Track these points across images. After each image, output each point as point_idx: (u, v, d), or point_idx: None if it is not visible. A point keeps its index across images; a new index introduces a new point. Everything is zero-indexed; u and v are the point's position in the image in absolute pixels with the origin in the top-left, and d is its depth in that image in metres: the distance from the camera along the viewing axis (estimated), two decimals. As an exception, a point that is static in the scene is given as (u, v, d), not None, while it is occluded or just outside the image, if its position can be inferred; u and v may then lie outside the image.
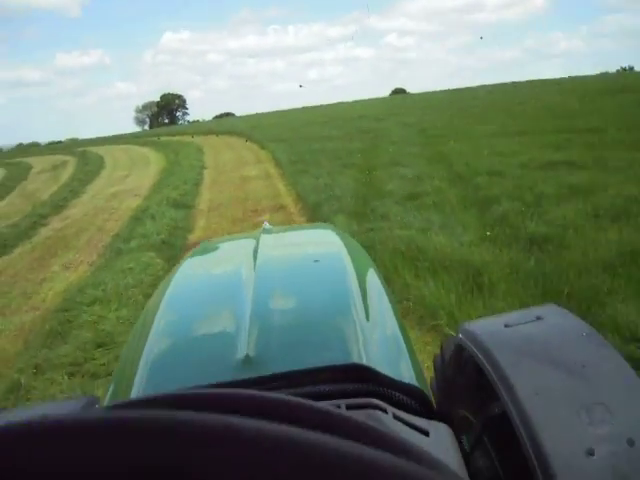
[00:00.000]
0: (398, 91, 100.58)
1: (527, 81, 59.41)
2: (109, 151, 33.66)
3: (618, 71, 71.16)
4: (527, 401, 0.98)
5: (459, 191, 8.31)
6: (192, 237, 8.69)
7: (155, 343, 1.32)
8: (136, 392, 1.13)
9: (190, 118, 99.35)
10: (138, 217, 10.33)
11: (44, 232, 11.92)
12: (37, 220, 12.98)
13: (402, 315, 2.29)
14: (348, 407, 0.97)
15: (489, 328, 1.26)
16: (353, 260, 1.69)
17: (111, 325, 5.06)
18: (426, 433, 1.00)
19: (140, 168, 21.38)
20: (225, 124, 46.20)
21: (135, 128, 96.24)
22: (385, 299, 1.60)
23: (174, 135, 41.23)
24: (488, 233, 5.91)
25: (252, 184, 13.16)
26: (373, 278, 1.72)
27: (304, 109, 62.43)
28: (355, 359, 1.14)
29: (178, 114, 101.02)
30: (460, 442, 1.16)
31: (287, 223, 7.86)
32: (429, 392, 1.31)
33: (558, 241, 5.37)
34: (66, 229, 11.76)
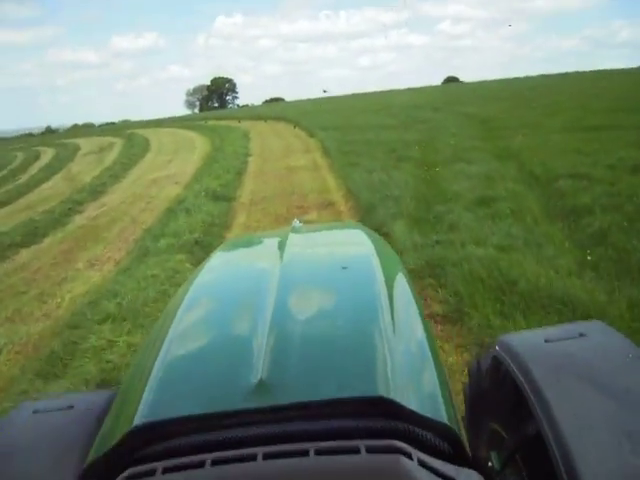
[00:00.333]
0: (451, 79, 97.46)
1: (591, 71, 56.24)
2: (156, 134, 33.38)
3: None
4: (564, 423, 0.95)
5: (539, 197, 7.07)
6: (230, 236, 7.76)
7: (169, 357, 1.21)
8: (144, 413, 1.03)
9: (240, 102, 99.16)
10: (173, 209, 9.49)
11: (78, 220, 11.28)
12: (73, 207, 12.41)
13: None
14: (368, 450, 0.85)
15: (528, 342, 1.25)
16: (382, 266, 1.59)
17: (119, 355, 4.17)
18: None
19: (184, 153, 20.70)
20: (275, 109, 45.28)
21: (186, 111, 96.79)
22: (415, 313, 1.45)
23: (222, 119, 40.61)
24: (589, 257, 4.72)
25: (299, 175, 12.15)
26: (403, 288, 1.58)
27: (355, 96, 60.82)
28: (381, 389, 0.99)
29: (228, 98, 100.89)
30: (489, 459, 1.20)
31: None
32: (461, 430, 1.09)
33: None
34: (100, 218, 11.08)
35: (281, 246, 1.81)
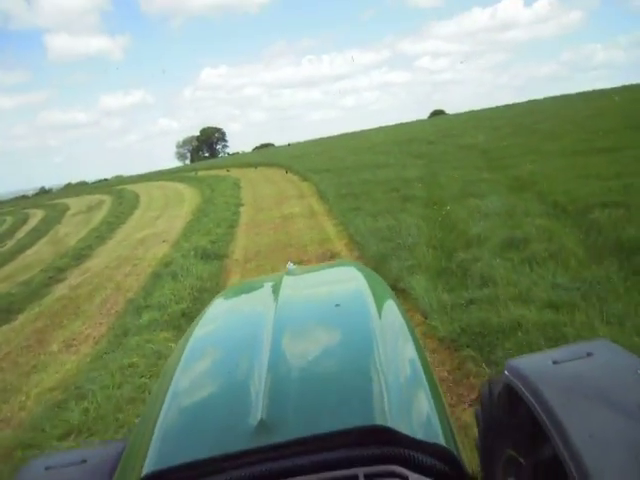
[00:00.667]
0: (437, 112, 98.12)
1: (577, 93, 56.41)
2: (146, 188, 32.74)
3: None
4: (581, 444, 0.95)
5: (574, 232, 6.12)
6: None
7: (173, 407, 1.27)
8: (152, 462, 1.08)
9: (230, 150, 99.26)
10: (159, 274, 8.51)
11: (58, 291, 10.30)
12: (54, 275, 11.47)
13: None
14: (367, 476, 0.93)
15: (536, 365, 1.25)
16: (377, 303, 1.62)
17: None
18: None
19: (173, 207, 19.87)
20: (265, 155, 44.81)
21: (177, 163, 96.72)
22: (411, 344, 1.48)
23: (212, 169, 40.05)
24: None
25: (295, 224, 11.24)
26: (396, 319, 1.63)
27: (343, 135, 60.66)
28: (376, 418, 1.04)
29: (218, 147, 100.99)
30: None
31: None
32: (459, 450, 1.11)
33: None
34: (82, 286, 10.11)
35: (275, 290, 1.87)
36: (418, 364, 1.35)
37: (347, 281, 2.08)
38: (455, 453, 1.05)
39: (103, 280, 10.14)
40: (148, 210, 20.65)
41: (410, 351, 1.43)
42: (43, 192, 77.41)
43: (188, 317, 6.19)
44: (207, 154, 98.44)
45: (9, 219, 31.59)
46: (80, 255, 13.30)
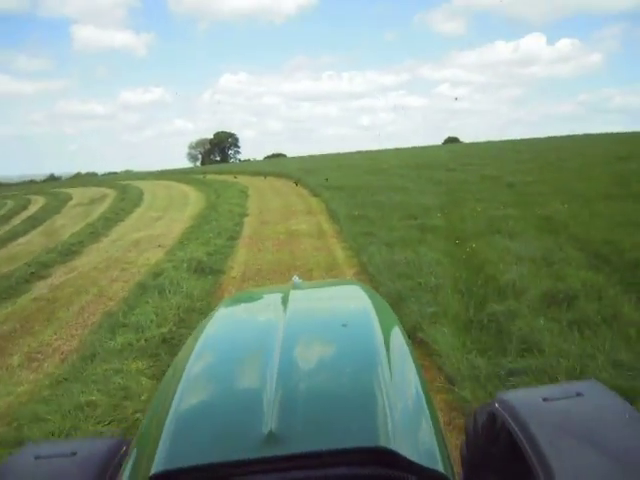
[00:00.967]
0: (451, 140, 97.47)
1: (598, 134, 55.62)
2: (152, 187, 31.96)
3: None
4: None
5: (625, 291, 5.25)
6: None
7: (182, 409, 1.27)
8: (160, 462, 1.08)
9: (242, 157, 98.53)
10: (146, 285, 7.65)
11: (37, 289, 9.45)
12: (36, 271, 10.60)
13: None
14: None
15: (526, 400, 1.31)
16: (382, 326, 1.66)
17: None
18: None
19: (176, 209, 19.06)
20: (276, 165, 44.02)
21: (187, 164, 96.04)
22: (413, 369, 1.51)
23: (222, 174, 39.26)
24: None
25: (301, 243, 10.40)
26: (399, 343, 1.65)
27: (356, 153, 59.85)
28: (381, 440, 1.08)
29: (230, 152, 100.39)
30: None
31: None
32: (454, 477, 1.13)
33: None
34: (63, 288, 9.27)
35: (284, 302, 1.92)
36: (419, 388, 1.39)
37: (353, 301, 2.15)
38: (450, 478, 1.07)
39: (87, 283, 9.30)
40: (150, 210, 19.84)
41: (412, 375, 1.46)
42: (52, 179, 76.74)
43: (169, 344, 5.33)
44: (218, 158, 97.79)
45: (10, 203, 30.81)
46: (69, 251, 12.43)
